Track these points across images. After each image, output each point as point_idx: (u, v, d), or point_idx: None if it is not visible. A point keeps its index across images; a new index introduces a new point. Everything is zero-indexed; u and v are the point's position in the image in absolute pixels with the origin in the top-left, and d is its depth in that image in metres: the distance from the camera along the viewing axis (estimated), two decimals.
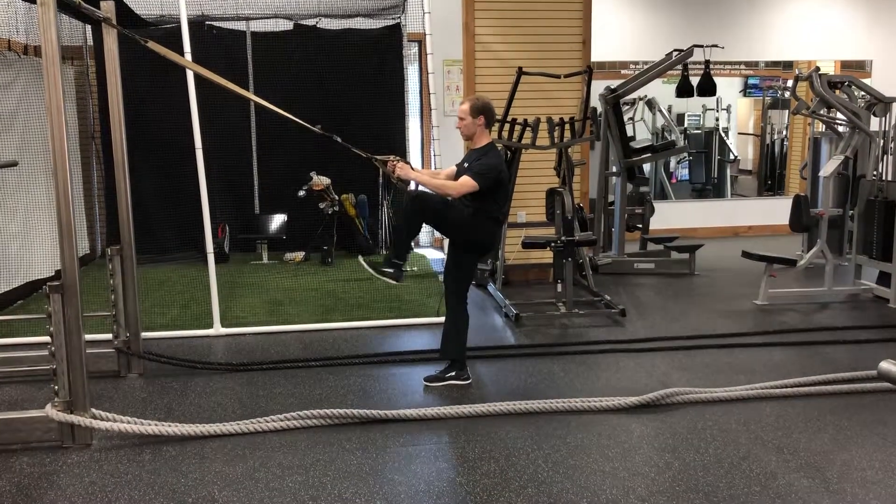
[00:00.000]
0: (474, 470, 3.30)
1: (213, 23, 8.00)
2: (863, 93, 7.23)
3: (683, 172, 10.48)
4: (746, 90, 10.24)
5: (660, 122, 9.81)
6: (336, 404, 4.00)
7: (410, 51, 8.63)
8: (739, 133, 10.63)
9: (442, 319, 4.50)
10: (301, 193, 7.69)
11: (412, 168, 4.40)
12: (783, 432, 3.67)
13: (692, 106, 10.02)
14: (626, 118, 8.49)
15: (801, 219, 6.74)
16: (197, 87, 5.25)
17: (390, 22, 8.22)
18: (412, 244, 4.60)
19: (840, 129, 7.09)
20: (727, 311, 5.96)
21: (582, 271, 6.50)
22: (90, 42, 7.85)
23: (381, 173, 4.99)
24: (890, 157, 6.65)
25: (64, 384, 3.49)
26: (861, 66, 9.87)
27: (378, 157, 4.38)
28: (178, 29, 5.39)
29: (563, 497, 3.05)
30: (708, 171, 10.35)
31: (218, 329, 5.37)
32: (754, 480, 3.19)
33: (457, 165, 4.33)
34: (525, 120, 6.25)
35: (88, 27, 7.60)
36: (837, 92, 6.91)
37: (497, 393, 4.22)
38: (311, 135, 4.50)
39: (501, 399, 4.04)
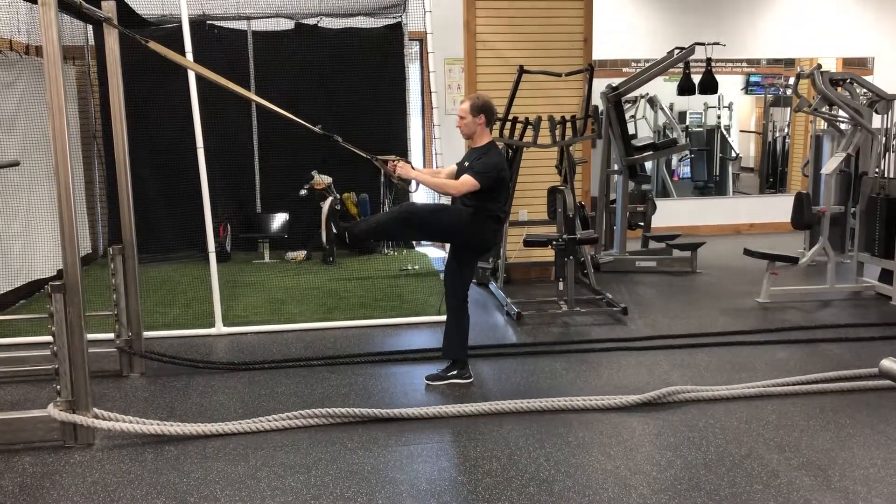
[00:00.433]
0: (476, 469, 3.30)
1: (214, 22, 8.00)
2: (865, 90, 7.21)
3: (685, 170, 10.46)
4: (748, 88, 10.21)
5: (661, 119, 9.79)
6: (338, 403, 4.01)
7: (411, 49, 8.63)
8: (741, 131, 10.60)
9: (443, 318, 4.50)
10: (303, 192, 7.70)
11: (413, 167, 4.40)
12: (785, 430, 3.67)
13: (694, 104, 10.00)
14: (627, 116, 8.47)
15: (803, 216, 6.74)
16: (198, 87, 5.26)
17: (391, 21, 8.23)
18: (373, 240, 4.56)
19: (842, 126, 7.07)
20: (729, 309, 5.96)
21: (583, 269, 6.50)
22: (91, 42, 7.85)
23: (381, 173, 4.99)
24: (892, 155, 6.65)
25: (66, 384, 3.50)
26: (863, 64, 9.86)
27: (379, 157, 4.38)
28: (180, 29, 5.39)
29: (565, 496, 3.05)
30: (710, 168, 10.33)
31: (220, 328, 5.38)
32: (756, 478, 3.18)
33: (457, 164, 4.31)
34: (526, 118, 6.24)
35: (90, 27, 7.61)
36: (839, 89, 6.89)
37: (499, 391, 4.23)
38: (312, 134, 4.49)
39: (503, 398, 4.04)
